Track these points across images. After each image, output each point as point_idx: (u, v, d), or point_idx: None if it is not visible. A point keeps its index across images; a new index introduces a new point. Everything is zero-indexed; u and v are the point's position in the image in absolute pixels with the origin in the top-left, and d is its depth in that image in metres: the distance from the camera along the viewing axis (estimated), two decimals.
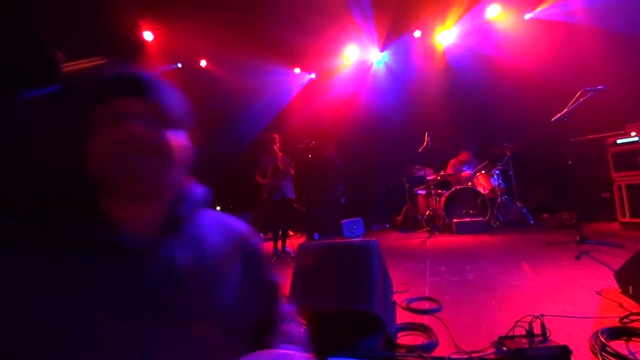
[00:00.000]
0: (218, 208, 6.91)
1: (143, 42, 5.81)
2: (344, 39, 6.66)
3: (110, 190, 0.60)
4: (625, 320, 1.64)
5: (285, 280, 3.01)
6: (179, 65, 6.65)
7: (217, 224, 0.78)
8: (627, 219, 4.48)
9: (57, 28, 4.51)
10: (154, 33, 5.78)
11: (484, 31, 6.21)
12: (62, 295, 0.52)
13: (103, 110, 0.59)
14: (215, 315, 0.63)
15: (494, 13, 5.97)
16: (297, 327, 0.85)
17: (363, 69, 7.42)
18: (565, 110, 3.44)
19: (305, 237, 6.11)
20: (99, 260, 0.56)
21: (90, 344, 0.51)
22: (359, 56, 7.19)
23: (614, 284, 2.15)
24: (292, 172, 4.51)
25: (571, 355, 1.35)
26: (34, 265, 0.53)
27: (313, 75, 7.86)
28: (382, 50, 7.06)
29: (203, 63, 6.77)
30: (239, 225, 0.84)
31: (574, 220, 4.51)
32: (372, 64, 7.32)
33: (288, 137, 4.79)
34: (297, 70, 7.66)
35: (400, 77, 7.04)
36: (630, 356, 1.33)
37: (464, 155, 5.89)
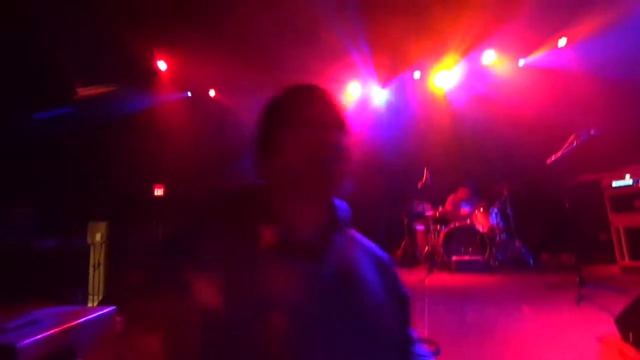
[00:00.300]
0: None
1: (157, 71, 6.06)
2: (345, 76, 6.94)
3: (285, 192, 0.67)
4: None
5: None
6: (189, 94, 6.89)
7: (354, 239, 0.82)
8: (627, 262, 4.45)
9: (77, 55, 4.75)
10: (167, 62, 6.04)
11: (480, 75, 6.49)
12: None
13: (298, 117, 0.67)
14: (370, 324, 0.64)
15: (490, 59, 6.27)
16: (426, 348, 0.85)
17: (364, 106, 7.64)
18: (559, 153, 3.53)
19: None
20: (285, 258, 0.61)
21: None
22: (361, 93, 7.44)
23: (614, 330, 2.10)
24: None
25: None
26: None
27: None
28: (383, 87, 7.32)
29: (212, 92, 7.01)
30: (370, 242, 0.88)
31: (573, 262, 4.46)
32: (373, 100, 7.56)
33: None
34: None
35: (400, 115, 7.25)
36: None
37: (462, 192, 5.94)
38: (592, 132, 3.38)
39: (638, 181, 4.46)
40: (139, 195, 6.03)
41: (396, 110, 7.33)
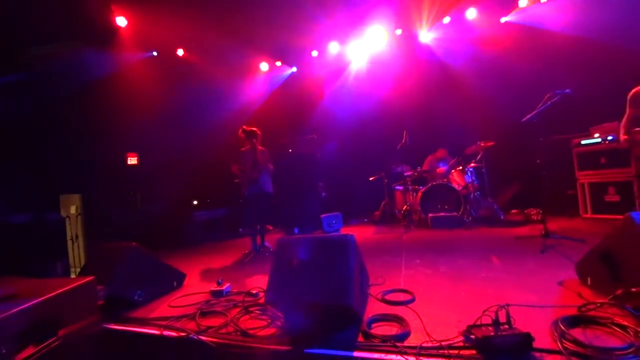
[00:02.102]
0: (195, 202, 6.77)
1: (116, 28, 5.54)
2: (326, 33, 6.64)
3: None
4: (583, 309, 1.76)
5: (263, 275, 3.02)
6: (155, 53, 6.40)
7: None
8: (589, 215, 4.79)
9: (24, 10, 4.23)
10: (127, 19, 5.51)
11: (461, 33, 6.36)
12: None
13: None
14: None
15: (472, 15, 6.13)
16: None
17: (343, 65, 7.42)
18: (535, 111, 3.60)
19: (284, 232, 6.10)
20: None
21: None
22: (340, 51, 7.19)
23: (574, 275, 2.29)
24: (271, 166, 4.48)
25: (533, 342, 1.44)
26: None
27: (294, 69, 7.80)
28: (362, 46, 7.09)
29: (180, 52, 6.55)
30: None
31: (540, 216, 4.75)
32: (353, 59, 7.34)
33: (267, 131, 4.73)
34: (278, 64, 7.58)
35: (380, 74, 7.10)
36: (587, 343, 1.42)
37: (440, 152, 6.08)
38: (567, 91, 3.43)
39: (605, 139, 4.67)
40: (112, 165, 5.79)
41: (376, 70, 7.17)
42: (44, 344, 1.69)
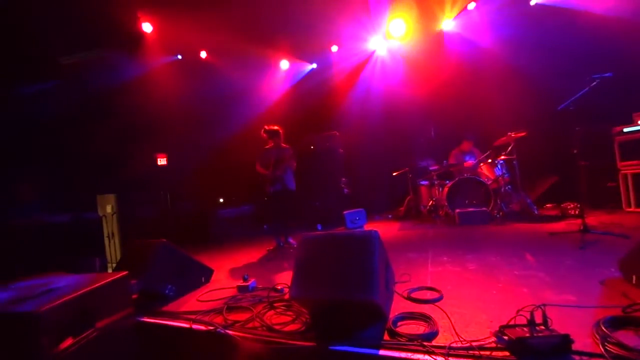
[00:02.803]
0: (221, 200, 6.94)
1: (142, 34, 5.76)
2: (347, 28, 6.56)
3: None
4: (628, 309, 1.63)
5: (288, 271, 3.05)
6: (179, 57, 6.60)
7: None
8: (633, 209, 4.45)
9: (55, 21, 4.48)
10: (153, 24, 5.72)
11: (488, 18, 6.08)
12: None
13: None
14: None
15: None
16: None
17: (364, 59, 7.32)
18: (572, 98, 3.37)
19: (307, 229, 6.13)
20: None
21: None
22: (360, 46, 7.08)
23: (617, 273, 2.13)
24: (294, 164, 4.50)
25: (572, 345, 1.35)
26: None
27: (314, 66, 7.78)
28: (385, 38, 6.95)
29: (203, 54, 6.72)
30: None
31: (577, 210, 4.46)
32: (375, 52, 7.22)
33: (289, 129, 4.75)
34: (298, 61, 7.60)
35: (403, 67, 6.94)
36: (633, 346, 1.31)
37: (465, 145, 5.84)
38: (607, 74, 3.18)
39: None
40: (143, 166, 6.06)
41: (401, 63, 7.01)
42: (82, 335, 1.78)
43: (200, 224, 6.27)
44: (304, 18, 5.87)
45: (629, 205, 4.51)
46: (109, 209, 5.33)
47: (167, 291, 2.69)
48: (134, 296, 2.42)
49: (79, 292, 1.92)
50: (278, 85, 7.60)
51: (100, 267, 4.58)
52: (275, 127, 4.49)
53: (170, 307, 2.56)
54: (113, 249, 5.08)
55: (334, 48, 7.26)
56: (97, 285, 2.05)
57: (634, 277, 1.98)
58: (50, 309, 1.74)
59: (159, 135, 6.03)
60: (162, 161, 6.22)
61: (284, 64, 7.53)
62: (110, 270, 4.67)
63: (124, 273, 2.28)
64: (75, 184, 5.09)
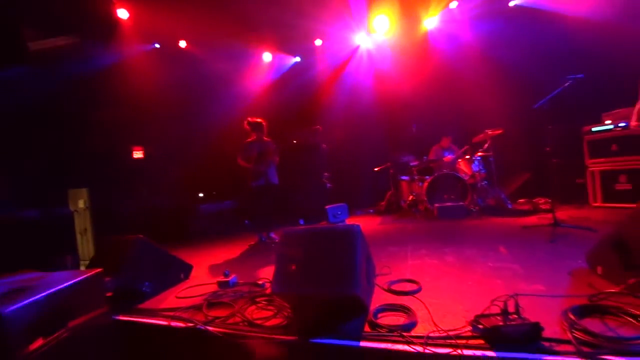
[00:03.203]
0: (201, 195, 6.80)
1: (117, 21, 5.50)
2: (331, 22, 6.52)
3: None
4: (594, 298, 1.72)
5: (270, 266, 3.03)
6: (157, 45, 6.36)
7: None
8: (599, 204, 4.71)
9: (25, 3, 4.21)
10: (129, 11, 5.46)
11: (468, 18, 6.21)
12: None
13: None
14: None
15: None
16: None
17: (349, 53, 7.32)
18: (546, 97, 3.51)
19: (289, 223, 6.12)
20: None
21: None
22: (345, 39, 7.07)
23: (584, 264, 2.25)
24: (277, 158, 4.46)
25: (543, 332, 1.42)
26: None
27: (298, 59, 7.71)
28: (368, 34, 6.97)
29: (182, 44, 6.50)
30: None
31: (548, 205, 4.68)
32: (359, 47, 7.23)
33: (271, 122, 4.69)
34: (281, 53, 7.50)
35: (386, 63, 6.99)
36: (598, 332, 1.39)
37: (445, 141, 5.99)
38: (579, 75, 3.33)
39: (617, 126, 4.55)
40: (117, 159, 5.83)
41: (382, 59, 7.05)
42: (53, 336, 1.71)
43: (180, 219, 6.12)
44: (288, 9, 5.79)
45: (595, 201, 4.77)
46: (81, 203, 5.11)
47: (144, 288, 2.62)
48: (109, 294, 2.34)
49: (49, 291, 1.83)
50: (261, 78, 7.47)
51: (72, 264, 4.39)
52: (259, 120, 4.42)
53: (148, 304, 2.49)
54: (86, 246, 4.89)
55: (318, 42, 7.21)
56: (68, 283, 1.96)
57: (599, 268, 2.10)
58: (17, 309, 1.66)
59: (135, 128, 5.81)
60: (138, 154, 6.01)
61: (267, 56, 7.41)
62: (83, 268, 4.49)
63: (98, 270, 2.19)
64: (45, 178, 4.84)
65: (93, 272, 2.15)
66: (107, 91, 5.49)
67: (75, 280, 2.00)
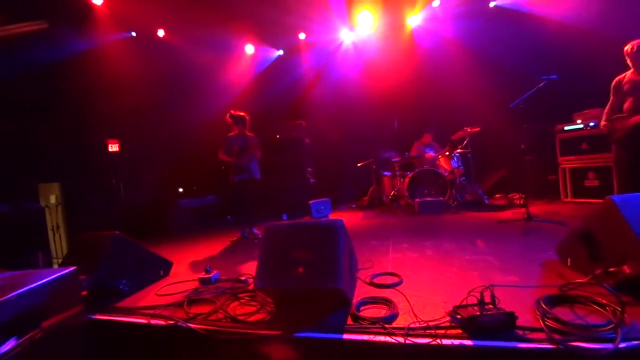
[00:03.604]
0: (181, 190, 6.65)
1: (90, 6, 5.23)
2: (315, 15, 6.46)
3: None
4: (564, 288, 1.82)
5: (252, 262, 3.00)
6: (133, 34, 6.11)
7: None
8: (569, 199, 4.95)
9: None
10: None
11: (450, 17, 6.32)
12: None
13: None
14: None
15: None
16: None
17: (333, 49, 7.30)
18: (521, 97, 3.64)
19: (272, 218, 6.09)
20: None
21: None
22: (329, 34, 7.05)
23: (555, 256, 2.37)
24: (259, 153, 4.42)
25: (517, 321, 1.49)
26: None
27: (281, 52, 7.62)
28: (352, 29, 6.97)
29: (161, 33, 6.28)
30: None
31: (522, 200, 4.88)
32: (342, 43, 7.22)
33: (254, 116, 4.63)
34: (264, 47, 7.39)
35: (368, 59, 7.03)
36: (568, 320, 1.48)
37: (426, 138, 6.12)
38: (553, 76, 3.47)
39: (587, 126, 4.78)
40: (92, 153, 5.59)
41: (365, 55, 7.08)
42: (27, 336, 1.64)
43: (158, 214, 5.96)
44: (271, 1, 5.70)
45: (567, 196, 5.02)
46: (52, 199, 4.88)
47: (121, 286, 2.54)
48: (84, 293, 2.26)
49: (20, 290, 1.75)
50: (243, 71, 7.34)
51: (44, 262, 4.20)
52: (242, 114, 4.35)
53: (126, 302, 2.42)
54: (58, 243, 4.68)
55: (302, 35, 7.15)
56: (41, 282, 1.88)
57: (568, 260, 2.22)
58: None
59: (110, 120, 5.58)
60: (113, 147, 5.78)
61: (249, 49, 7.28)
62: (56, 266, 4.30)
63: (72, 268, 2.11)
64: (13, 172, 4.58)
65: (67, 270, 2.07)
66: (81, 81, 5.23)
67: (48, 279, 1.92)
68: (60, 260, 4.37)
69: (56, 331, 1.81)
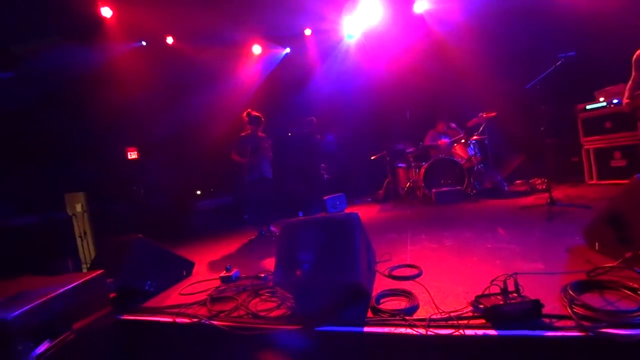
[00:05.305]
0: (198, 192, 6.79)
1: (101, 19, 5.38)
2: (320, 9, 6.40)
3: None
4: (592, 274, 1.75)
5: (271, 259, 3.04)
6: (143, 43, 6.25)
7: None
8: (594, 181, 4.74)
9: (3, 6, 4.11)
10: (112, 8, 5.35)
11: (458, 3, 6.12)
12: None
13: None
14: None
15: None
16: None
17: (340, 42, 7.23)
18: (538, 77, 3.49)
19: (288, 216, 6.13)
20: None
21: None
22: (334, 28, 6.97)
23: (581, 241, 2.28)
24: (271, 154, 4.46)
25: (543, 309, 1.44)
26: None
27: (288, 50, 7.61)
28: (357, 21, 6.86)
29: (169, 40, 6.39)
30: None
31: (544, 185, 4.71)
32: (349, 35, 7.14)
33: (267, 115, 4.65)
34: (271, 45, 7.40)
35: (377, 50, 6.92)
36: (597, 307, 1.42)
37: (440, 126, 5.96)
38: (571, 53, 3.32)
39: (610, 103, 4.55)
40: (112, 161, 5.79)
41: (375, 46, 6.97)
42: (59, 339, 1.72)
43: (178, 217, 6.11)
44: (275, 1, 5.69)
45: (591, 178, 4.80)
46: (78, 207, 5.09)
47: (146, 287, 2.63)
48: (112, 295, 2.35)
49: (52, 294, 1.83)
50: (252, 71, 7.38)
51: (74, 268, 4.39)
52: (259, 114, 4.40)
53: (152, 302, 2.50)
54: (86, 249, 4.87)
55: (308, 32, 7.11)
56: (71, 285, 1.96)
57: (596, 244, 2.13)
58: (22, 313, 1.66)
59: (127, 128, 5.75)
60: (132, 155, 5.97)
61: (257, 49, 7.31)
62: (84, 271, 4.49)
63: (99, 272, 2.20)
64: (40, 184, 4.80)
65: (95, 274, 2.16)
66: (97, 92, 5.41)
67: (77, 283, 2.01)
68: (88, 265, 4.56)
69: (87, 332, 1.89)
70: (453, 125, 5.87)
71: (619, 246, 1.87)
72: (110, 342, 2.07)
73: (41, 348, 1.63)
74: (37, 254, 4.04)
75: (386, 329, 1.59)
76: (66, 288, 1.93)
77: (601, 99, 4.69)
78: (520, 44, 5.43)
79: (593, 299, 1.52)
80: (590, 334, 1.29)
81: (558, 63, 3.38)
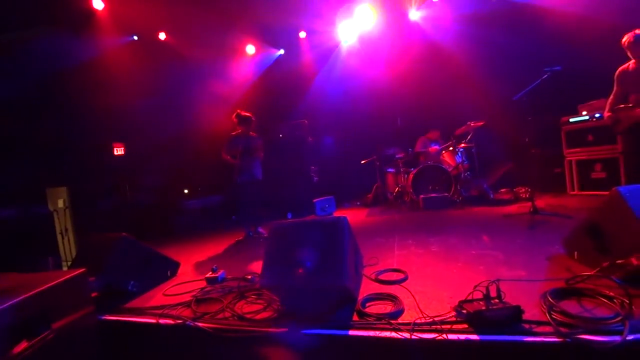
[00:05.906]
0: (186, 191, 6.69)
1: (92, 12, 5.28)
2: (315, 13, 6.44)
3: None
4: (570, 282, 1.81)
5: (258, 261, 3.02)
6: (135, 37, 6.15)
7: None
8: (576, 192, 4.90)
9: None
10: (104, 1, 5.25)
11: (452, 10, 6.25)
12: None
13: None
14: None
15: None
16: None
17: (332, 46, 7.28)
18: (525, 89, 3.60)
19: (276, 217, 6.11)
20: None
21: None
22: (328, 32, 7.02)
23: (561, 250, 2.35)
24: (262, 154, 4.44)
25: (523, 315, 1.48)
26: None
27: (282, 52, 7.62)
28: (351, 26, 6.93)
29: (162, 36, 6.31)
30: None
31: (528, 194, 4.83)
32: (343, 40, 7.20)
33: (256, 116, 4.64)
34: (265, 46, 7.39)
35: (370, 55, 7.00)
36: (575, 313, 1.47)
37: (433, 134, 6.06)
38: (557, 68, 3.44)
39: (593, 117, 4.72)
40: (98, 157, 5.66)
41: (367, 51, 7.04)
42: (38, 338, 1.67)
43: (164, 216, 6.01)
44: (271, 1, 5.70)
45: (573, 189, 4.96)
46: (60, 203, 4.95)
47: (130, 287, 2.57)
48: (94, 294, 2.29)
49: (30, 292, 1.78)
50: (244, 71, 7.35)
51: (54, 265, 4.26)
52: (249, 114, 4.37)
53: (135, 303, 2.45)
54: (67, 246, 4.74)
55: (302, 34, 7.14)
56: (51, 284, 1.91)
57: (575, 253, 2.20)
58: None
59: (115, 123, 5.63)
60: (119, 151, 5.85)
61: (250, 49, 7.29)
62: (65, 269, 4.37)
63: (81, 270, 2.14)
64: (21, 177, 4.65)
65: (76, 272, 2.10)
66: (85, 86, 5.29)
67: (58, 281, 1.95)
68: (69, 263, 4.44)
69: (67, 332, 1.84)
70: (441, 141, 5.99)
71: (597, 255, 1.94)
72: (92, 343, 2.02)
73: (19, 347, 1.58)
74: (15, 250, 3.90)
75: (371, 333, 1.61)
76: (47, 286, 1.88)
77: (584, 113, 4.86)
78: (510, 57, 5.59)
79: (571, 306, 1.57)
80: (568, 339, 1.34)
81: (544, 76, 3.49)
